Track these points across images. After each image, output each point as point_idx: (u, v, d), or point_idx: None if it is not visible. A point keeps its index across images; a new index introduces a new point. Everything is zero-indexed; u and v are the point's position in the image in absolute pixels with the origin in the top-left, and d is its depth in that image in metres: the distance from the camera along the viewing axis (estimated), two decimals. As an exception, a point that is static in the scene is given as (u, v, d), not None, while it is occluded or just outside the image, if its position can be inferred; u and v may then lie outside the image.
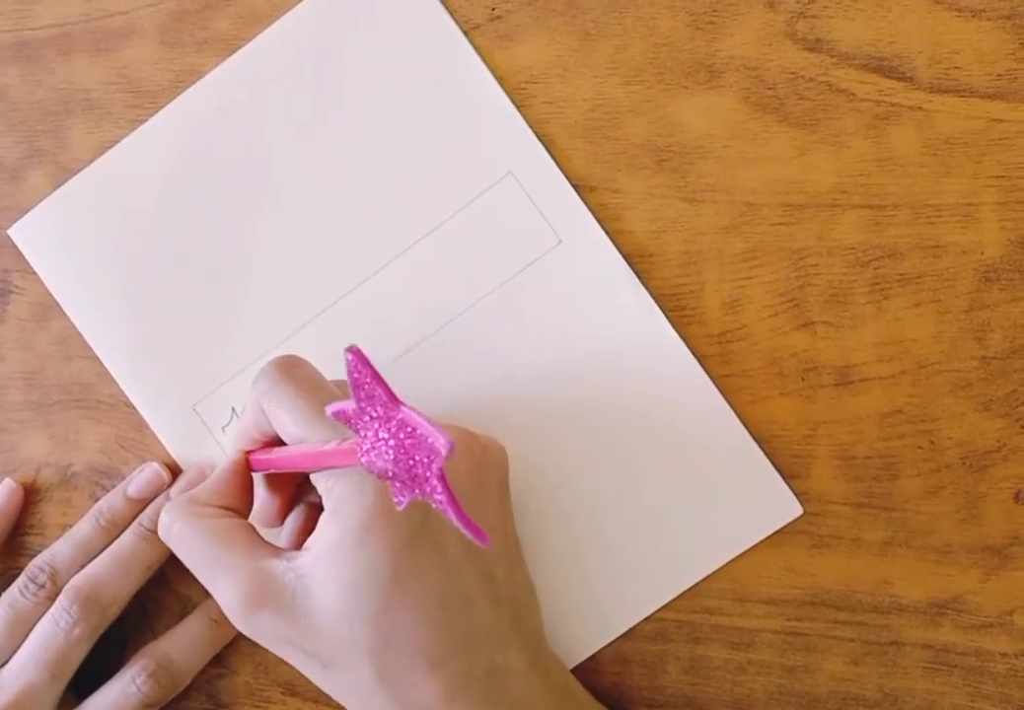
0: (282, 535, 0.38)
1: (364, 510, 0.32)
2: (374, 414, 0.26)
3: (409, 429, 0.25)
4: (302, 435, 0.33)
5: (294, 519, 0.38)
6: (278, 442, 0.36)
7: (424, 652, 0.33)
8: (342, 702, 0.35)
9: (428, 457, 0.25)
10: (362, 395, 0.26)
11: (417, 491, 0.26)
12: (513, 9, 0.40)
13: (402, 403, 0.25)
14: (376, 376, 0.25)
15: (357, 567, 0.32)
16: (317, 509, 0.37)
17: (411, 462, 0.25)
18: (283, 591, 0.32)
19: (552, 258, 0.40)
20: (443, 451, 0.24)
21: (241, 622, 0.33)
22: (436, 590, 0.33)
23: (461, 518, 0.25)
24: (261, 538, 0.35)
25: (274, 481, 0.37)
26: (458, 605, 0.33)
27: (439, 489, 0.25)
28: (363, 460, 0.27)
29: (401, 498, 0.26)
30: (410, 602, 0.32)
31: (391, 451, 0.26)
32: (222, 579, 0.33)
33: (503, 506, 0.37)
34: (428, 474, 0.25)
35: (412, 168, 0.40)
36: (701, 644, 0.39)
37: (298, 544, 0.38)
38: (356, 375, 0.26)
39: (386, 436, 0.26)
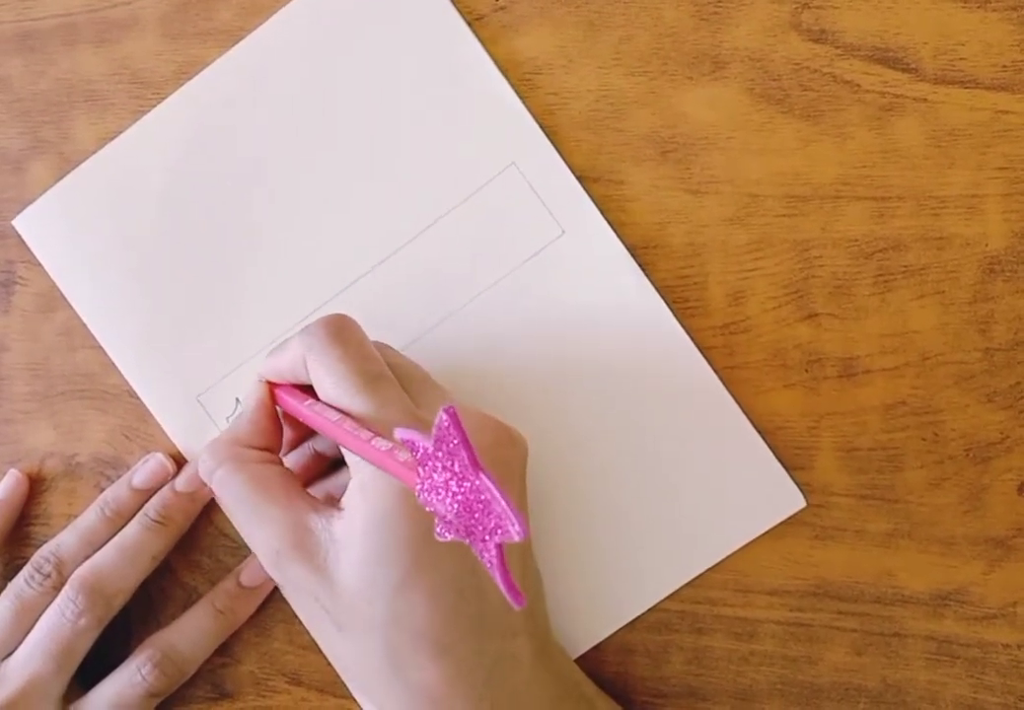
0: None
1: (395, 493, 0.32)
2: (447, 465, 0.26)
3: (483, 498, 0.25)
4: (340, 401, 0.33)
5: (298, 457, 0.39)
6: (306, 387, 0.36)
7: (433, 636, 0.33)
8: (346, 672, 0.35)
9: (494, 530, 0.25)
10: (444, 448, 0.26)
11: (468, 540, 0.26)
12: (517, 0, 0.40)
13: (482, 470, 0.25)
14: (464, 440, 0.25)
15: (380, 548, 0.32)
16: (323, 459, 0.39)
17: (472, 521, 0.25)
18: (318, 549, 0.33)
19: (555, 249, 0.40)
20: (515, 538, 0.24)
21: (272, 569, 0.34)
22: (454, 578, 0.33)
23: (506, 582, 0.25)
24: (299, 488, 0.35)
25: (291, 418, 0.38)
26: (473, 595, 0.33)
27: (494, 554, 0.25)
28: (420, 496, 0.27)
29: (446, 535, 0.26)
30: (427, 586, 0.33)
31: (456, 505, 0.26)
32: (260, 528, 0.34)
33: (522, 499, 0.37)
34: (487, 539, 0.25)
35: (415, 159, 0.40)
36: (704, 635, 0.39)
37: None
38: (444, 433, 0.26)
39: (455, 491, 0.26)
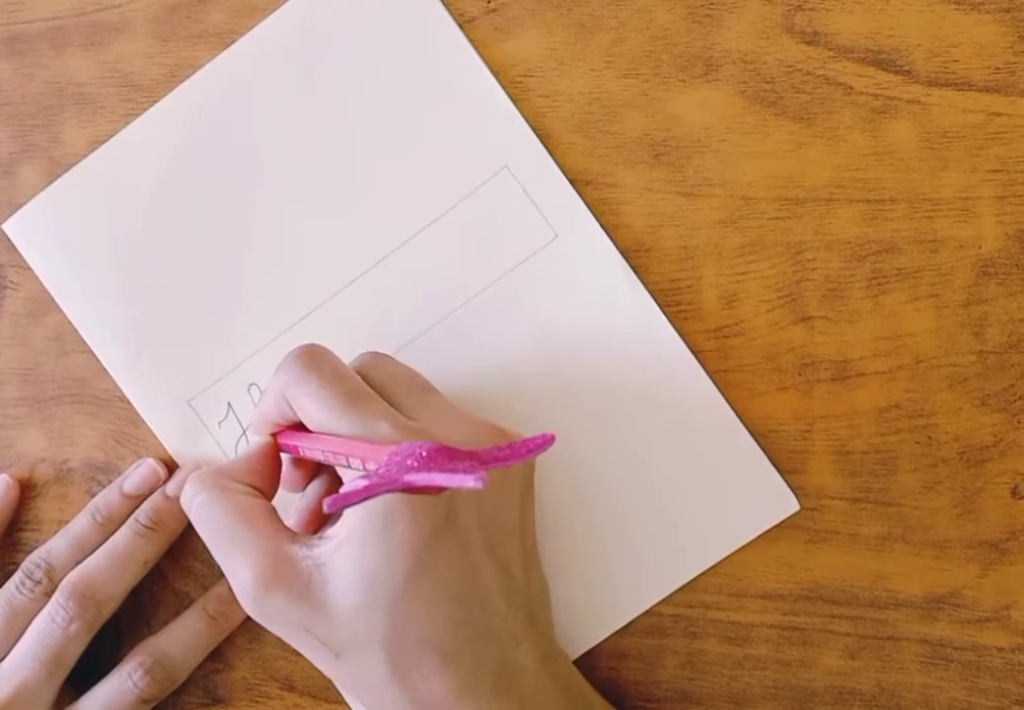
0: (292, 514, 0.38)
1: (389, 500, 0.32)
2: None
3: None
4: (331, 426, 0.33)
5: (306, 499, 0.38)
6: (302, 425, 0.36)
7: (437, 645, 0.32)
8: (350, 694, 0.35)
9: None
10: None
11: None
12: (509, 2, 0.40)
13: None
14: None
15: (377, 558, 0.32)
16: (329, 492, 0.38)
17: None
18: (299, 577, 0.32)
19: (548, 253, 0.40)
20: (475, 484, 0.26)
21: (252, 604, 0.33)
22: (454, 585, 0.33)
23: (449, 480, 0.27)
24: (282, 522, 0.35)
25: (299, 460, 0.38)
26: (474, 601, 0.33)
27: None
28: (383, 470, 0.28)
29: (369, 486, 0.27)
30: (427, 595, 0.32)
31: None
32: (238, 557, 0.33)
33: (525, 506, 0.36)
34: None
35: (408, 162, 0.40)
36: (698, 639, 0.39)
37: (310, 525, 0.38)
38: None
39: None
